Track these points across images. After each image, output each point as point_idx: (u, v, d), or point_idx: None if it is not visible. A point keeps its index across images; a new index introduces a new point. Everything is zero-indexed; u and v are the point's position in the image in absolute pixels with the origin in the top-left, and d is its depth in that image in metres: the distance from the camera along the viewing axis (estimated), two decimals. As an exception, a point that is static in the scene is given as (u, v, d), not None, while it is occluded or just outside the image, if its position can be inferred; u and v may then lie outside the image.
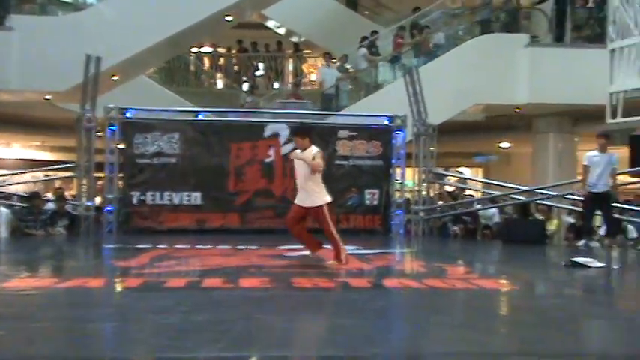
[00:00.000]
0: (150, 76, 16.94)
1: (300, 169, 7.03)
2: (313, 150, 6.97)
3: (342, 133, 11.69)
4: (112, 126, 11.23)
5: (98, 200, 11.98)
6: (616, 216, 9.49)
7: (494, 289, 5.57)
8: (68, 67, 11.62)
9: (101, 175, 11.65)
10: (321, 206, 6.89)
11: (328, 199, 6.97)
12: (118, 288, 5.53)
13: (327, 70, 14.62)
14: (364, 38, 15.02)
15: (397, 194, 11.89)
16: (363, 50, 14.64)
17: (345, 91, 14.46)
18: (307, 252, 7.48)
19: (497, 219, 11.61)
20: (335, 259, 6.76)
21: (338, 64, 14.80)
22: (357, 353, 3.31)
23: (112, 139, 11.29)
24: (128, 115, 11.35)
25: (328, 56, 14.85)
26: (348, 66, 14.92)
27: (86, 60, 10.82)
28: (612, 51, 12.41)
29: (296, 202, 7.13)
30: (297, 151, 7.14)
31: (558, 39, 14.25)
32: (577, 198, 9.97)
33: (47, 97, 13.68)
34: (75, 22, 12.94)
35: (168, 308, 4.28)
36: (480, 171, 21.06)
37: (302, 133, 7.22)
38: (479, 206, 11.94)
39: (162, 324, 3.83)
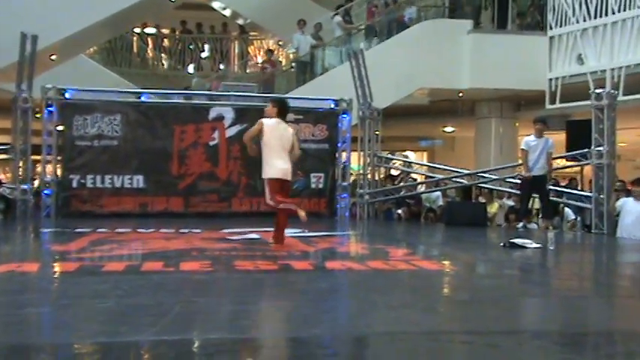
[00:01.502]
0: (91, 56, 16.45)
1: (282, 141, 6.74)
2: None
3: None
4: (50, 107, 10.87)
5: (37, 183, 11.61)
6: (553, 198, 9.78)
7: (435, 270, 5.65)
8: (3, 45, 11.17)
9: (38, 157, 11.27)
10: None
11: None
12: (54, 273, 5.35)
13: (302, 37, 14.48)
14: (339, 6, 14.95)
15: (342, 178, 11.94)
16: (338, 18, 14.60)
17: (320, 59, 14.27)
18: (254, 235, 7.48)
19: (440, 202, 11.82)
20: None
21: (312, 31, 14.65)
22: (297, 334, 3.29)
23: (50, 121, 10.92)
24: (67, 95, 11.00)
25: (302, 23, 14.69)
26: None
27: (22, 38, 10.42)
28: (551, 38, 12.76)
29: (278, 175, 6.73)
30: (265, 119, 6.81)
31: (500, 26, 14.53)
32: (516, 181, 10.24)
33: (-20, 76, 13.10)
34: (9, -2, 12.41)
35: (105, 292, 4.17)
36: (425, 155, 21.37)
37: (276, 101, 7.10)
38: (422, 189, 12.11)
39: (98, 309, 3.73)
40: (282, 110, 6.88)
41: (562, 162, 10.99)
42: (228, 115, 11.43)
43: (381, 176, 12.50)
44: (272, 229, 7.03)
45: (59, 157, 10.99)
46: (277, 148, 6.74)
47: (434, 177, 12.31)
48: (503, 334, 3.38)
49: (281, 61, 16.58)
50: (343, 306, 4.19)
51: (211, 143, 11.36)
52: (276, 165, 6.71)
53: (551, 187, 9.74)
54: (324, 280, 5.06)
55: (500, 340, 3.26)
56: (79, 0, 12.43)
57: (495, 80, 13.73)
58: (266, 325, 3.65)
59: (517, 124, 15.72)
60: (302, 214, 6.59)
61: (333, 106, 11.92)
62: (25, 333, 3.28)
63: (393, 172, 13.14)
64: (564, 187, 11.10)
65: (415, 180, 12.83)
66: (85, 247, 6.73)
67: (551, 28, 12.72)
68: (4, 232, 9.15)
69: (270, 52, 14.68)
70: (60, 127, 10.98)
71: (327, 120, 11.88)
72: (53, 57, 13.11)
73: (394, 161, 13.16)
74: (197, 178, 11.29)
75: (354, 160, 12.67)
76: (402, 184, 12.55)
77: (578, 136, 10.73)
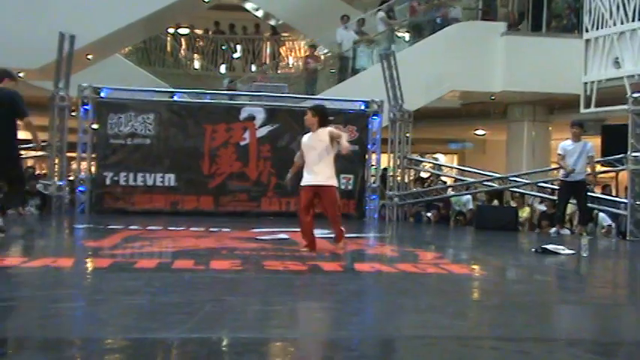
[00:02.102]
0: (126, 56, 16.68)
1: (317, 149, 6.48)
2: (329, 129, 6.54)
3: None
4: (86, 105, 11.07)
5: (72, 179, 11.83)
6: (589, 204, 9.62)
7: (465, 274, 5.60)
8: (41, 44, 11.41)
9: (74, 154, 11.49)
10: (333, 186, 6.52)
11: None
12: (87, 268, 5.44)
13: (345, 32, 14.47)
14: (383, 1, 14.90)
15: (372, 179, 11.91)
16: (381, 14, 14.54)
17: (363, 54, 14.21)
18: (284, 235, 7.51)
19: (470, 205, 11.71)
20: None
21: (355, 27, 14.58)
22: (325, 336, 3.29)
23: (86, 119, 11.13)
24: (102, 94, 11.20)
25: (346, 18, 14.67)
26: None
27: (60, 38, 10.64)
28: (587, 41, 12.52)
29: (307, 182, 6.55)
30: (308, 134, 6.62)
31: (535, 28, 14.33)
32: (550, 186, 10.09)
33: (20, 74, 13.38)
34: (48, -2, 12.66)
35: (137, 289, 4.23)
36: (455, 157, 21.20)
37: (315, 110, 6.66)
38: (452, 193, 12.01)
39: (130, 305, 3.78)
40: (323, 119, 6.57)
41: (598, 167, 10.78)
42: (259, 115, 11.51)
43: (411, 179, 12.44)
44: (299, 229, 6.99)
45: (94, 155, 11.18)
46: (309, 160, 6.54)
47: (464, 180, 12.21)
48: (534, 341, 3.32)
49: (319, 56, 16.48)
50: (371, 308, 4.18)
51: (242, 143, 11.44)
52: (304, 177, 6.58)
53: (589, 193, 9.56)
54: (352, 281, 5.05)
55: (531, 347, 3.21)
56: (115, 1, 12.62)
57: (529, 83, 13.55)
58: (294, 326, 3.65)
59: (550, 128, 15.49)
60: (340, 245, 6.54)
61: (363, 107, 11.90)
62: (59, 327, 3.34)
63: (423, 175, 13.06)
64: (600, 193, 10.88)
65: (445, 183, 12.74)
66: (118, 243, 6.83)
67: (587, 30, 12.49)
68: (40, 227, 9.34)
69: (313, 46, 14.64)
70: (95, 126, 11.18)
71: (357, 121, 11.86)
72: (89, 56, 13.34)
73: (424, 164, 13.08)
74: (227, 177, 11.38)
75: (384, 162, 12.63)
76: (431, 186, 12.47)
77: (614, 141, 10.53)
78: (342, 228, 6.65)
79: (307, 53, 14.81)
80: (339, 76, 14.31)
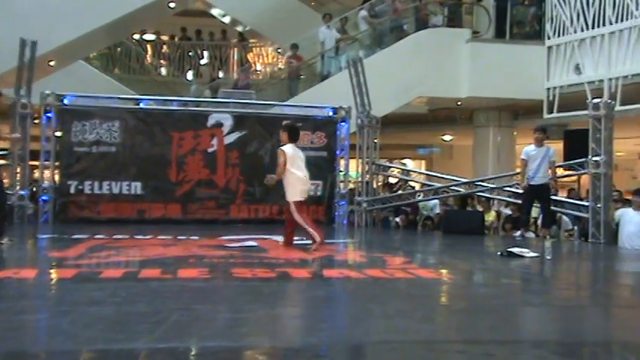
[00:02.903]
0: (89, 62, 16.46)
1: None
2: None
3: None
4: (49, 112, 10.88)
5: (35, 188, 11.60)
6: (552, 208, 9.80)
7: (432, 279, 5.66)
8: (2, 50, 11.19)
9: (36, 163, 11.27)
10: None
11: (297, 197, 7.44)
12: (51, 279, 5.35)
13: (327, 31, 14.46)
14: (365, 0, 14.95)
15: (341, 185, 11.95)
16: (364, 12, 14.56)
17: (344, 55, 14.22)
18: (252, 242, 7.54)
19: (438, 210, 11.83)
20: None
21: (338, 25, 14.60)
22: (294, 343, 3.30)
23: (49, 127, 10.93)
24: (66, 101, 11.02)
25: (328, 17, 14.66)
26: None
27: (21, 44, 10.44)
28: (549, 48, 12.80)
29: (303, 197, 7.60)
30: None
31: (499, 35, 14.58)
32: (515, 190, 10.26)
33: (-21, 81, 13.11)
34: (8, 3, 12.42)
35: (103, 299, 4.18)
36: (423, 163, 21.40)
37: (285, 127, 7.75)
38: (420, 198, 12.12)
39: (96, 316, 3.74)
40: (292, 135, 7.60)
41: (560, 171, 11.01)
42: (227, 122, 11.45)
43: (379, 184, 12.52)
44: (268, 236, 7.25)
45: (57, 163, 10.99)
46: (298, 172, 7.43)
47: (432, 185, 12.32)
48: (500, 344, 3.38)
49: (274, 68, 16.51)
50: (340, 314, 4.20)
51: (210, 150, 11.37)
52: (299, 187, 7.44)
53: (552, 197, 9.75)
54: (321, 288, 5.07)
55: (497, 350, 3.27)
56: (78, 6, 12.43)
57: (494, 89, 13.77)
58: (263, 333, 3.65)
59: (515, 133, 15.75)
60: (313, 247, 7.22)
61: (331, 113, 11.95)
62: (23, 340, 3.29)
63: (391, 180, 13.16)
64: (565, 198, 11.09)
65: (413, 188, 12.85)
66: (83, 253, 6.73)
67: (549, 37, 12.77)
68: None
69: (295, 46, 14.64)
70: (58, 133, 10.99)
71: (325, 127, 11.90)
72: (52, 63, 13.12)
73: (392, 169, 13.18)
74: (195, 184, 11.29)
75: (353, 168, 12.68)
76: (399, 192, 12.57)
77: (576, 145, 10.75)
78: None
79: (289, 53, 14.79)
80: (321, 77, 14.33)
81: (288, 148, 7.43)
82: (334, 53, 14.37)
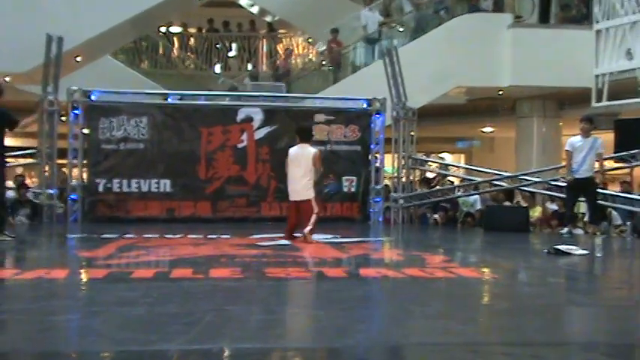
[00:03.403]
0: (116, 57, 16.73)
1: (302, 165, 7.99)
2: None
3: (319, 117, 11.70)
4: (76, 109, 11.10)
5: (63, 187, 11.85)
6: (600, 202, 9.64)
7: (475, 278, 5.63)
8: (29, 47, 11.45)
9: (64, 161, 11.52)
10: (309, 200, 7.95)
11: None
12: (82, 279, 5.48)
13: (369, 14, 14.46)
14: None
15: (375, 181, 11.93)
16: None
17: (389, 37, 14.23)
18: (285, 241, 7.62)
19: (479, 206, 11.73)
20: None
21: (380, 7, 14.61)
22: (331, 345, 3.32)
23: (76, 124, 11.16)
24: (93, 97, 11.24)
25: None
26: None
27: (47, 40, 10.68)
28: (598, 32, 12.57)
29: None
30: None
31: (543, 19, 14.36)
32: (560, 184, 10.12)
33: (7, 78, 13.45)
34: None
35: (134, 300, 4.26)
36: (462, 156, 21.22)
37: (296, 131, 8.48)
38: (460, 193, 12.04)
39: (128, 316, 3.81)
40: (302, 136, 8.25)
41: (610, 163, 10.82)
42: (257, 116, 11.53)
43: (416, 179, 12.47)
44: (300, 234, 7.70)
45: (85, 161, 11.21)
46: (290, 172, 8.08)
47: (472, 180, 12.23)
48: (547, 346, 3.35)
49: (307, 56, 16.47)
50: (378, 315, 4.21)
51: (240, 145, 11.47)
52: (289, 187, 8.15)
53: (600, 190, 9.59)
54: (358, 288, 5.08)
55: (545, 352, 3.24)
56: (104, 0, 12.66)
57: (538, 77, 13.57)
58: (298, 335, 3.68)
59: (561, 124, 15.52)
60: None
61: (365, 106, 11.93)
62: (54, 340, 3.38)
63: (429, 175, 13.09)
64: (618, 192, 10.87)
65: (452, 183, 12.76)
66: (113, 253, 6.87)
67: (597, 21, 12.54)
68: (31, 237, 9.38)
69: (335, 30, 14.67)
70: (86, 130, 11.21)
71: (359, 121, 11.89)
72: (78, 58, 13.38)
73: (430, 163, 13.11)
74: (225, 181, 11.41)
75: (388, 163, 12.65)
76: (438, 187, 12.50)
77: (628, 135, 10.57)
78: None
79: (330, 38, 14.83)
80: (365, 63, 14.32)
81: (292, 149, 8.17)
82: (377, 37, 14.30)
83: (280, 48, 18.98)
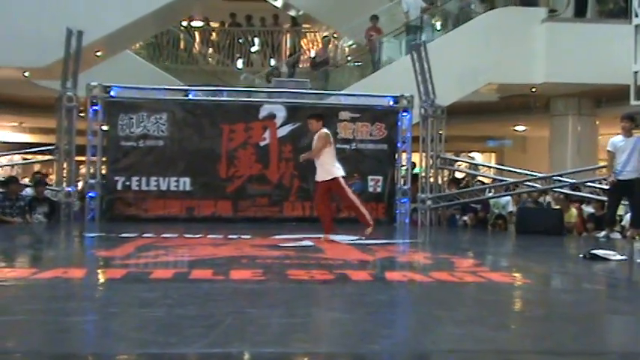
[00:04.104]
0: (136, 52, 16.89)
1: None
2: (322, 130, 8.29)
3: (344, 115, 11.68)
4: (95, 105, 11.22)
5: (80, 185, 12.00)
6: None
7: (506, 283, 5.57)
8: (48, 41, 11.61)
9: (83, 158, 11.65)
10: (334, 178, 8.10)
11: (341, 172, 8.18)
12: (100, 279, 5.53)
13: (411, 0, 14.45)
14: None
15: (402, 181, 11.88)
16: None
17: (430, 25, 14.24)
18: (308, 242, 7.62)
19: (510, 208, 11.63)
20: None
21: None
22: (355, 350, 3.30)
23: (95, 120, 11.28)
24: (112, 93, 11.35)
25: None
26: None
27: (67, 34, 10.80)
28: (637, 27, 12.36)
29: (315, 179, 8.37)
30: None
31: (579, 13, 14.18)
32: (598, 186, 9.98)
33: (25, 73, 13.66)
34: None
35: (153, 301, 4.28)
36: (493, 156, 21.06)
37: (316, 116, 8.60)
38: (491, 194, 11.94)
39: (147, 318, 3.83)
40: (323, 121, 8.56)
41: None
42: (280, 113, 11.55)
43: (445, 179, 12.39)
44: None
45: (104, 159, 11.32)
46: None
47: (503, 180, 12.12)
48: (584, 355, 3.30)
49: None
50: (405, 320, 4.18)
51: (262, 143, 11.50)
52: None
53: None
54: (383, 291, 5.05)
55: (581, 362, 3.19)
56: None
57: (573, 74, 13.42)
58: (321, 339, 3.67)
59: (597, 122, 15.32)
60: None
61: (392, 103, 11.89)
62: (72, 341, 3.40)
63: (458, 175, 13.00)
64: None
65: (482, 184, 12.66)
66: (131, 253, 6.92)
67: (637, 15, 12.33)
68: (49, 236, 9.50)
69: (375, 17, 14.67)
70: (105, 127, 11.32)
71: (386, 118, 11.85)
72: (99, 53, 13.54)
73: (459, 163, 13.03)
74: (246, 180, 11.44)
75: (416, 162, 12.59)
76: (467, 188, 12.40)
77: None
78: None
79: (369, 25, 14.83)
80: (380, 64, 14.27)
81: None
82: (419, 23, 14.25)
83: (304, 43, 19.01)
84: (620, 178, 8.82)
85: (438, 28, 13.81)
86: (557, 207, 11.16)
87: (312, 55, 16.47)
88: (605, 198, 9.74)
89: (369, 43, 14.91)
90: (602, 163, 9.87)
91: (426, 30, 14.34)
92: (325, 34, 17.24)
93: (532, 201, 11.43)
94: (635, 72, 12.27)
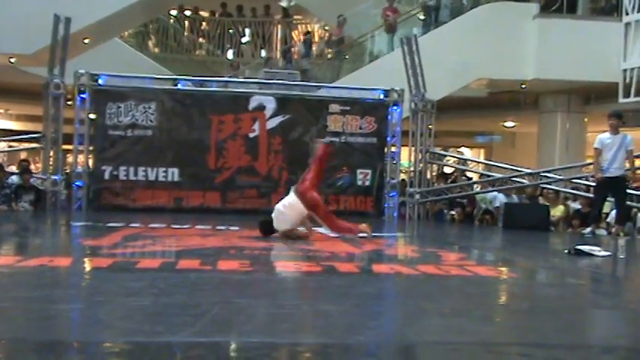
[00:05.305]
0: (125, 40, 16.80)
1: None
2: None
3: (334, 107, 11.70)
4: (83, 93, 11.17)
5: (68, 173, 11.94)
6: (627, 202, 9.58)
7: (491, 277, 5.62)
8: (35, 27, 11.53)
9: (70, 147, 11.61)
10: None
11: None
12: (86, 268, 5.52)
13: None
14: None
15: (391, 175, 11.93)
16: None
17: (447, 6, 14.20)
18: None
19: (498, 203, 11.70)
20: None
21: None
22: (341, 341, 3.33)
23: (82, 108, 11.23)
24: (100, 81, 11.30)
25: None
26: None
27: (54, 20, 10.73)
28: (627, 24, 12.46)
29: None
30: None
31: (570, 10, 14.25)
32: (585, 183, 10.06)
33: (12, 60, 13.55)
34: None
35: (140, 290, 4.29)
36: (482, 151, 21.15)
37: None
38: (478, 189, 12.00)
39: (133, 307, 3.84)
40: None
41: (639, 162, 10.72)
42: (270, 104, 11.55)
43: (434, 174, 12.45)
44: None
45: (91, 147, 11.28)
46: None
47: (491, 176, 12.19)
48: (567, 348, 3.35)
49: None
50: (391, 312, 4.22)
51: (251, 135, 11.50)
52: None
53: (630, 190, 9.52)
54: (370, 284, 5.08)
55: (565, 355, 3.23)
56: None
57: (563, 71, 13.49)
58: (307, 330, 3.70)
59: (586, 120, 15.42)
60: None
61: (382, 96, 11.91)
62: (56, 329, 3.41)
63: (447, 170, 13.06)
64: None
65: (470, 179, 12.73)
66: (118, 242, 6.92)
67: (627, 13, 12.42)
68: (35, 224, 9.46)
69: None
70: (92, 116, 11.28)
71: (375, 112, 11.88)
72: (87, 40, 13.45)
73: (448, 158, 13.08)
74: (235, 172, 11.45)
75: (404, 156, 12.63)
76: (455, 182, 12.46)
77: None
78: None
79: (386, 5, 14.78)
80: (423, 31, 14.18)
81: None
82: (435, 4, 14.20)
83: (295, 34, 18.97)
84: (607, 175, 8.90)
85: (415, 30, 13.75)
86: (545, 203, 11.24)
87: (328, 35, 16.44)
88: (591, 195, 9.81)
89: (385, 22, 14.85)
90: (589, 160, 9.95)
91: (443, 11, 14.27)
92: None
93: (526, 197, 11.50)
94: (624, 70, 12.38)
